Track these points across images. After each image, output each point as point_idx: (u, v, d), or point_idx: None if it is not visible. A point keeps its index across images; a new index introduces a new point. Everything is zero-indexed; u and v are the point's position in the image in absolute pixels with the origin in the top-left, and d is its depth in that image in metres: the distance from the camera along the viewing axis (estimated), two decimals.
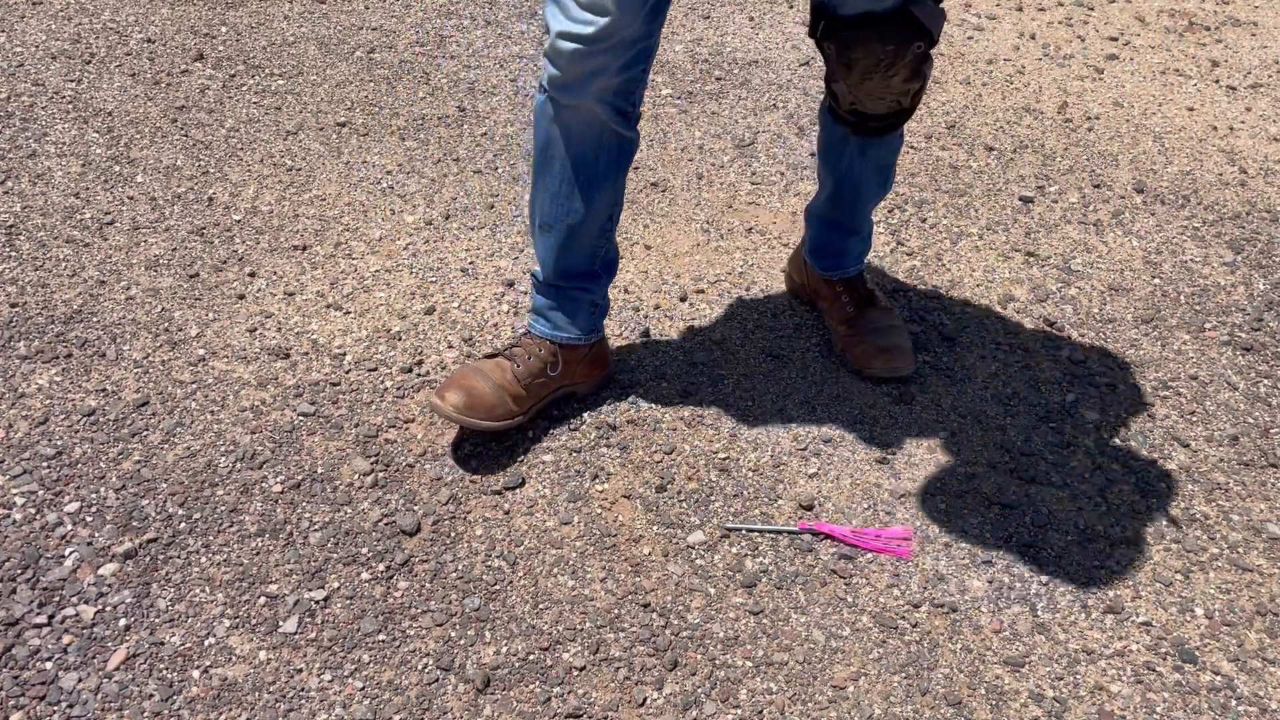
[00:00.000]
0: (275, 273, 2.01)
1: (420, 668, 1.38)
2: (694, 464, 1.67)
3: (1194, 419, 1.79)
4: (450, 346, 1.86)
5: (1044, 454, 1.72)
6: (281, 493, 1.59)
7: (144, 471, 1.61)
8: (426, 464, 1.65)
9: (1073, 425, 1.77)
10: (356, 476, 1.62)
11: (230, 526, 1.54)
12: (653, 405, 1.76)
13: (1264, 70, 2.84)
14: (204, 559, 1.50)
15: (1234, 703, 1.38)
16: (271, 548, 1.52)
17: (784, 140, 2.45)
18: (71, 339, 1.84)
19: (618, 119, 1.54)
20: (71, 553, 1.49)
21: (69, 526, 1.53)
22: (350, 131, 2.41)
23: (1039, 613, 1.48)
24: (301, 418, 1.71)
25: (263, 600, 1.45)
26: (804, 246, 1.92)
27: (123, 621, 1.41)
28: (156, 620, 1.42)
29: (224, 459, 1.64)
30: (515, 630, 1.43)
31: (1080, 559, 1.56)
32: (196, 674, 1.36)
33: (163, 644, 1.39)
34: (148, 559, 1.49)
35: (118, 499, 1.57)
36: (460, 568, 1.50)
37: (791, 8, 3.04)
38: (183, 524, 1.54)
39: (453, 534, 1.55)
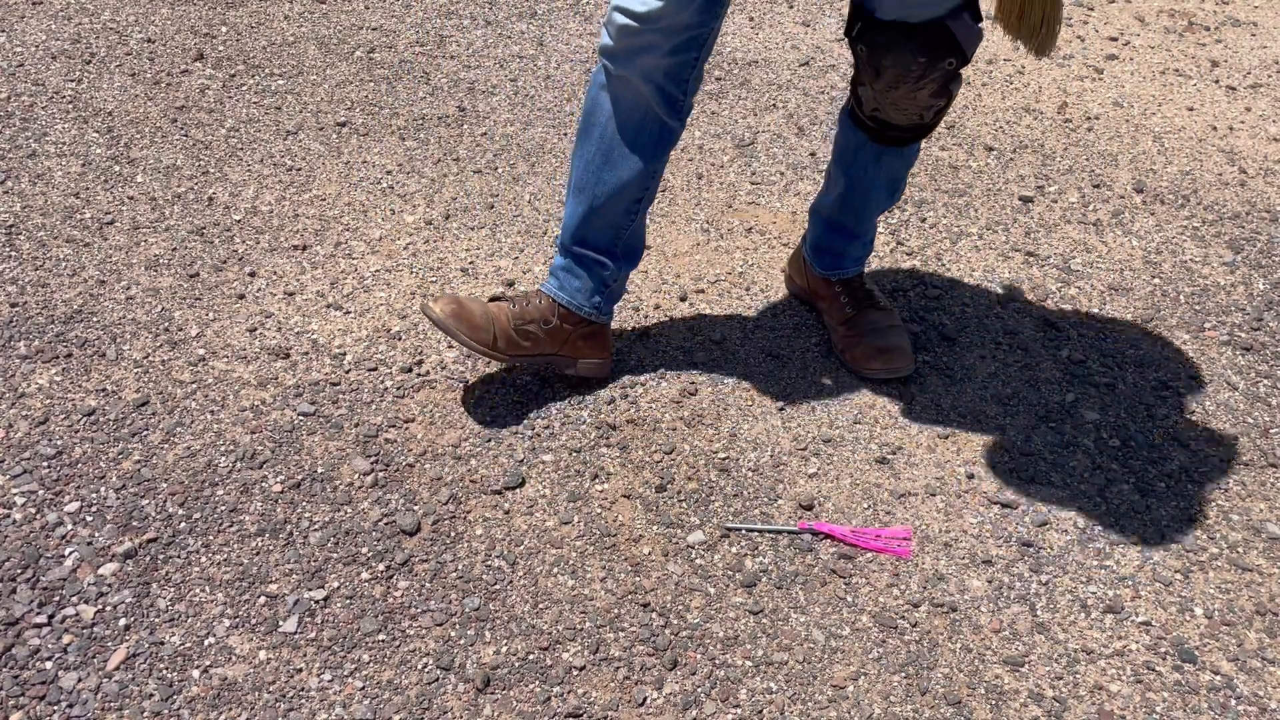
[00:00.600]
0: (275, 273, 2.01)
1: (420, 667, 1.38)
2: (694, 464, 1.67)
3: (1194, 419, 1.79)
4: (450, 346, 1.86)
5: (1044, 454, 1.72)
6: (281, 493, 1.59)
7: (144, 471, 1.61)
8: (426, 464, 1.65)
9: (1073, 425, 1.77)
10: (356, 476, 1.62)
11: (230, 526, 1.54)
12: (653, 405, 1.76)
13: (1264, 70, 2.84)
14: (204, 559, 1.50)
15: (1234, 702, 1.38)
16: (271, 548, 1.52)
17: (784, 140, 2.45)
18: (71, 339, 1.84)
19: (664, 104, 1.54)
20: (71, 552, 1.49)
21: (69, 526, 1.53)
22: (350, 131, 2.41)
23: (1039, 612, 1.48)
24: (301, 418, 1.71)
25: (263, 600, 1.45)
26: (804, 245, 1.93)
27: (123, 621, 1.41)
28: (156, 620, 1.42)
29: (224, 459, 1.64)
30: (515, 630, 1.43)
31: (1080, 559, 1.56)
32: (196, 674, 1.36)
33: (163, 644, 1.39)
34: (148, 559, 1.49)
35: (118, 499, 1.57)
36: (460, 568, 1.50)
37: (791, 8, 3.04)
38: (183, 524, 1.54)
39: (453, 534, 1.55)
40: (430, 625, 1.43)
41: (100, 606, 1.43)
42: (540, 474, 1.64)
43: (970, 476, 1.67)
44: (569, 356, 1.71)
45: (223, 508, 1.57)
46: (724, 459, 1.68)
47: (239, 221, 2.13)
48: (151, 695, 1.33)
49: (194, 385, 1.76)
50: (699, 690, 1.37)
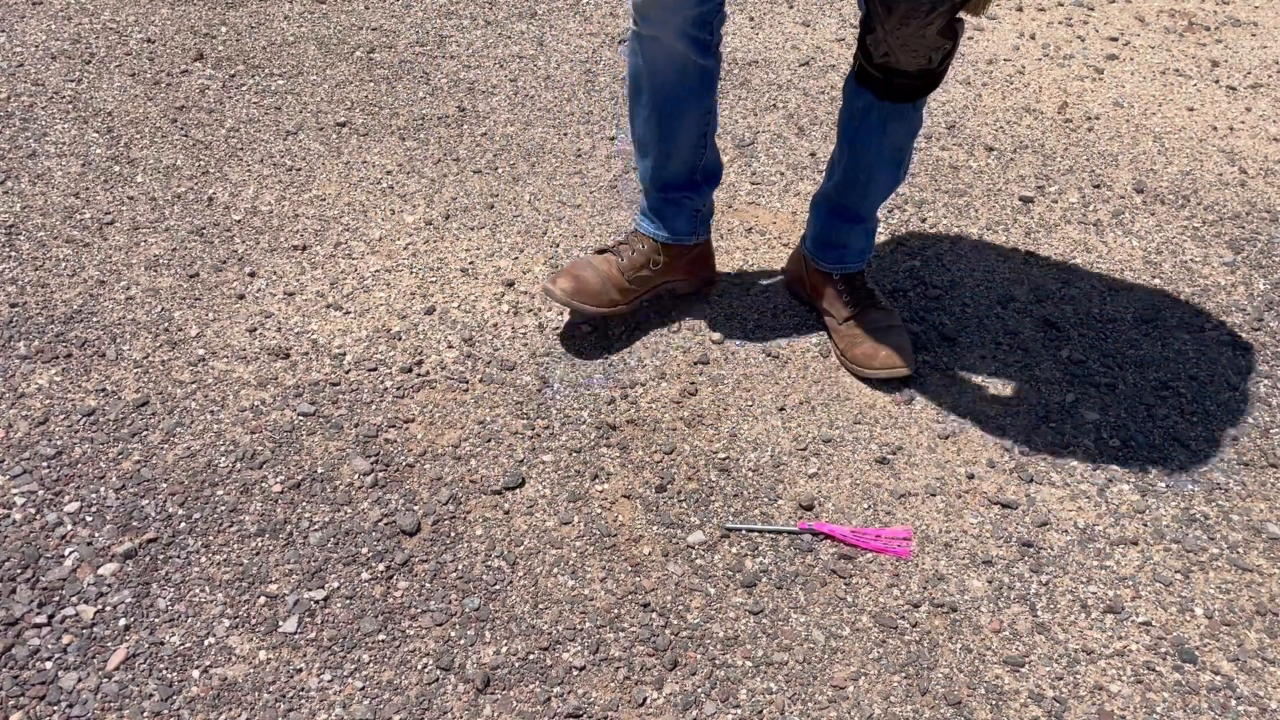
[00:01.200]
0: (275, 273, 2.01)
1: (420, 668, 1.38)
2: (694, 464, 1.67)
3: (1194, 419, 1.79)
4: (450, 346, 1.86)
5: (1044, 454, 1.72)
6: (281, 493, 1.59)
7: (144, 471, 1.61)
8: (426, 464, 1.65)
9: (1073, 425, 1.77)
10: (356, 476, 1.62)
11: (230, 526, 1.54)
12: (653, 405, 1.76)
13: (1264, 70, 2.84)
14: (204, 559, 1.50)
15: (1234, 703, 1.38)
16: (271, 548, 1.52)
17: (784, 140, 2.45)
18: (71, 339, 1.84)
19: (697, 50, 1.63)
20: (71, 553, 1.49)
21: (69, 526, 1.53)
22: (350, 131, 2.41)
23: (1039, 613, 1.48)
24: (301, 418, 1.71)
25: (263, 600, 1.45)
26: (805, 242, 1.93)
27: (123, 621, 1.41)
28: (156, 620, 1.42)
29: (224, 459, 1.64)
30: (515, 630, 1.43)
31: (1080, 559, 1.56)
32: (196, 674, 1.36)
33: (163, 644, 1.39)
34: (148, 559, 1.49)
35: (118, 499, 1.57)
36: (460, 568, 1.50)
37: (791, 8, 3.04)
38: (183, 524, 1.54)
39: (453, 534, 1.55)
40: (430, 625, 1.43)
41: (100, 606, 1.43)
42: (540, 474, 1.64)
43: (970, 476, 1.67)
44: (680, 279, 1.90)
45: (223, 508, 1.57)
46: (724, 459, 1.68)
47: (239, 221, 2.13)
48: (151, 695, 1.33)
49: (194, 385, 1.76)
50: (699, 690, 1.37)
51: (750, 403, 1.78)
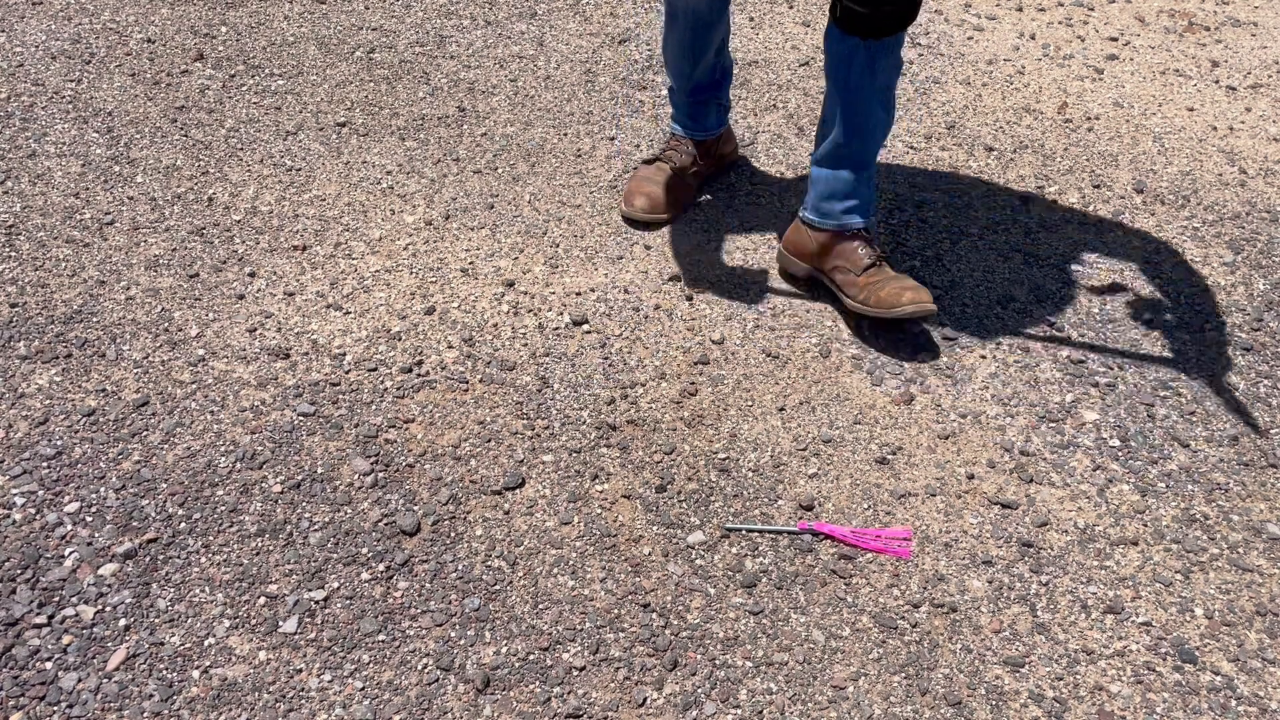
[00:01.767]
0: (275, 273, 2.01)
1: (420, 668, 1.38)
2: (694, 464, 1.67)
3: (1194, 419, 1.79)
4: (450, 346, 1.86)
5: (1044, 454, 1.72)
6: (281, 493, 1.59)
7: (144, 471, 1.61)
8: (426, 464, 1.65)
9: (1073, 425, 1.77)
10: (356, 476, 1.62)
11: (230, 526, 1.54)
12: (653, 405, 1.77)
13: (1264, 70, 2.84)
14: (204, 559, 1.50)
15: (1234, 703, 1.38)
16: (271, 548, 1.52)
17: (784, 140, 2.45)
18: (71, 339, 1.84)
19: None
20: (71, 553, 1.49)
21: (69, 526, 1.53)
22: (350, 131, 2.41)
23: (1039, 613, 1.48)
24: (301, 418, 1.71)
25: (263, 600, 1.45)
26: (806, 212, 1.96)
27: (123, 621, 1.41)
28: (156, 620, 1.42)
29: (224, 459, 1.64)
30: (515, 630, 1.43)
31: (1080, 559, 1.56)
32: (196, 674, 1.36)
33: (163, 644, 1.39)
34: (148, 559, 1.49)
35: (118, 499, 1.57)
36: (460, 568, 1.50)
37: (791, 8, 3.04)
38: (183, 524, 1.54)
39: (453, 534, 1.55)
40: (430, 625, 1.43)
41: (100, 606, 1.43)
42: (540, 474, 1.64)
43: (970, 476, 1.67)
44: (714, 167, 2.26)
45: (223, 508, 1.57)
46: (724, 459, 1.68)
47: (239, 221, 2.13)
48: (151, 695, 1.33)
49: (194, 385, 1.76)
50: (699, 690, 1.37)
51: (750, 403, 1.78)
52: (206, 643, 1.39)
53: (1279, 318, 2.02)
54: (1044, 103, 2.64)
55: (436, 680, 1.37)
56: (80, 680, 1.34)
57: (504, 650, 1.40)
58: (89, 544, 1.50)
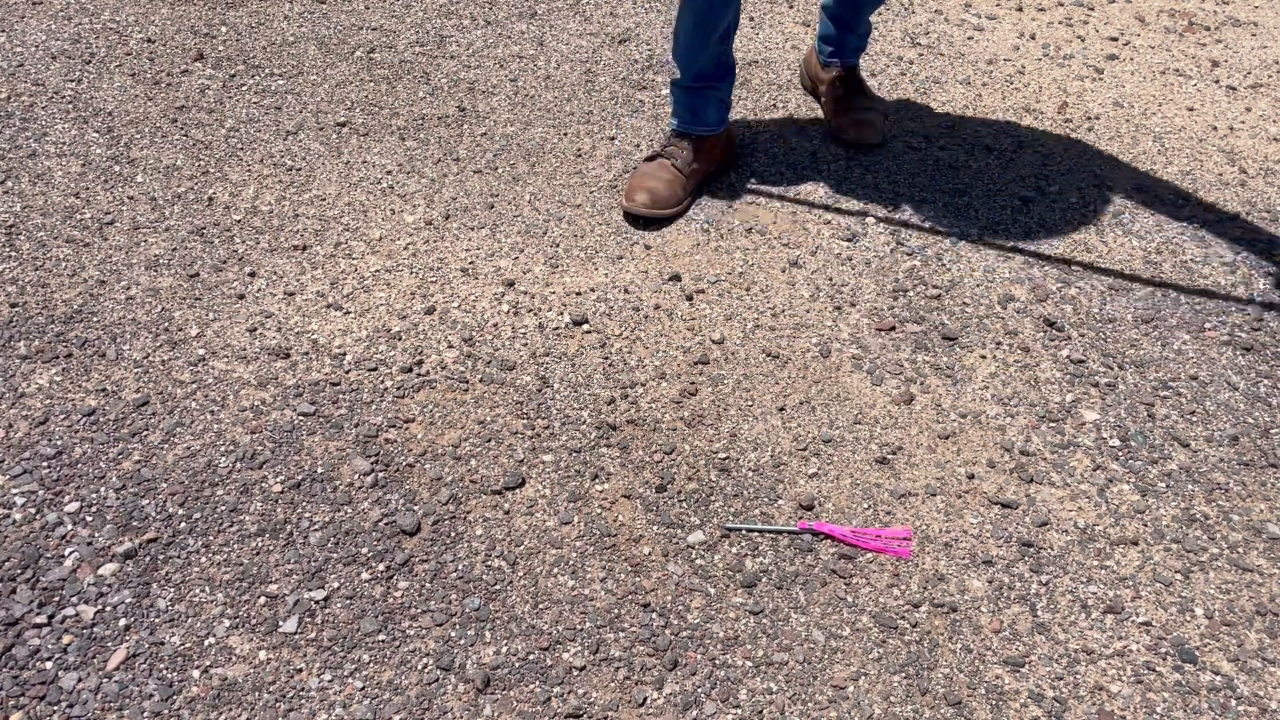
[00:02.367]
0: (275, 273, 2.01)
1: (420, 668, 1.38)
2: (694, 464, 1.67)
3: (1194, 419, 1.79)
4: (450, 346, 1.86)
5: (1044, 454, 1.72)
6: (281, 493, 1.59)
7: (144, 471, 1.61)
8: (426, 464, 1.65)
9: (1073, 425, 1.77)
10: (356, 476, 1.62)
11: (230, 526, 1.54)
12: (653, 405, 1.77)
13: (1264, 70, 2.84)
14: (204, 559, 1.50)
15: (1234, 703, 1.38)
16: (271, 548, 1.52)
17: (784, 140, 2.45)
18: (71, 339, 1.84)
19: None
20: (71, 553, 1.49)
21: (69, 526, 1.53)
22: (350, 131, 2.41)
23: (1039, 613, 1.48)
24: (301, 418, 1.71)
25: (263, 600, 1.45)
26: (816, 40, 2.46)
27: (123, 621, 1.41)
28: (156, 620, 1.42)
29: (224, 459, 1.64)
30: (515, 630, 1.43)
31: (1080, 559, 1.56)
32: (196, 674, 1.36)
33: (163, 644, 1.39)
34: (148, 559, 1.49)
35: (118, 499, 1.57)
36: (460, 568, 1.50)
37: (791, 8, 3.04)
38: (183, 524, 1.54)
39: (453, 534, 1.55)
40: (430, 625, 1.43)
41: (100, 606, 1.43)
42: (540, 474, 1.64)
43: (970, 476, 1.67)
44: (714, 165, 2.29)
45: (223, 508, 1.57)
46: (724, 459, 1.68)
47: (239, 221, 2.13)
48: (151, 695, 1.33)
49: (194, 385, 1.76)
50: (699, 690, 1.37)
51: (750, 403, 1.78)
52: (206, 642, 1.39)
53: (1279, 318, 2.02)
54: (1044, 103, 2.64)
55: (436, 680, 1.37)
56: (80, 680, 1.34)
57: (504, 650, 1.40)
58: (89, 544, 1.50)
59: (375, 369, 1.81)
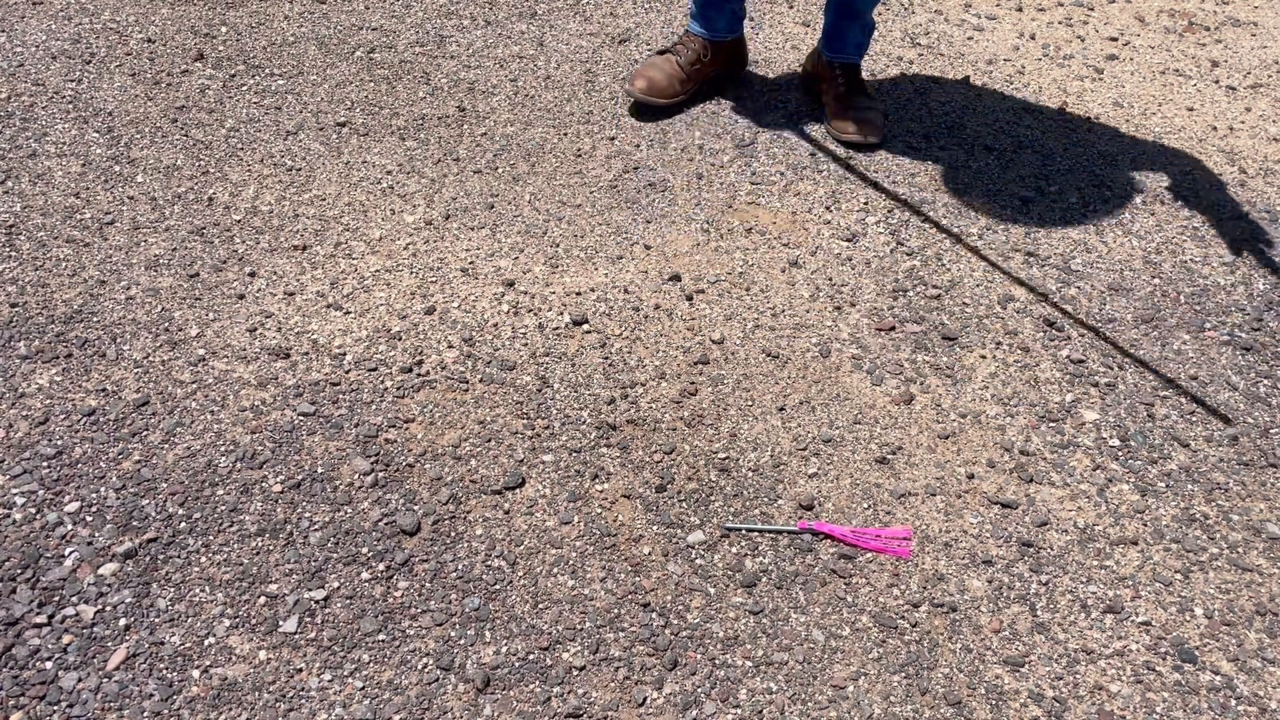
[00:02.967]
0: (275, 273, 2.01)
1: (420, 668, 1.38)
2: (694, 464, 1.67)
3: (1194, 419, 1.79)
4: (450, 346, 1.86)
5: (1044, 454, 1.72)
6: (281, 493, 1.59)
7: (144, 471, 1.61)
8: (426, 464, 1.65)
9: (1073, 425, 1.77)
10: (356, 476, 1.62)
11: (230, 526, 1.54)
12: (653, 405, 1.77)
13: (1264, 70, 2.84)
14: (204, 559, 1.50)
15: (1234, 703, 1.38)
16: (271, 548, 1.52)
17: (784, 140, 2.45)
18: (71, 339, 1.84)
19: None
20: (71, 552, 1.49)
21: (69, 526, 1.53)
22: (350, 131, 2.41)
23: (1039, 613, 1.48)
24: (301, 418, 1.71)
25: (263, 600, 1.45)
26: (820, 41, 2.48)
27: (123, 621, 1.41)
28: (156, 620, 1.42)
29: (224, 459, 1.64)
30: (515, 630, 1.43)
31: (1080, 559, 1.56)
32: (196, 674, 1.36)
33: (163, 644, 1.39)
34: (148, 559, 1.49)
35: (118, 499, 1.57)
36: (460, 568, 1.50)
37: (791, 8, 3.04)
38: (183, 524, 1.54)
39: (453, 534, 1.55)
40: (430, 625, 1.43)
41: (100, 606, 1.43)
42: (540, 474, 1.64)
43: (970, 476, 1.67)
44: (721, 69, 2.50)
45: (223, 508, 1.57)
46: (724, 459, 1.68)
47: (239, 221, 2.13)
48: (151, 695, 1.33)
49: (194, 385, 1.76)
50: (699, 690, 1.37)
51: (750, 403, 1.78)
52: (206, 642, 1.39)
53: (1279, 318, 2.02)
54: (1044, 102, 2.64)
55: (436, 680, 1.37)
56: (80, 680, 1.34)
57: (504, 650, 1.40)
58: (89, 544, 1.50)
59: (375, 369, 1.81)
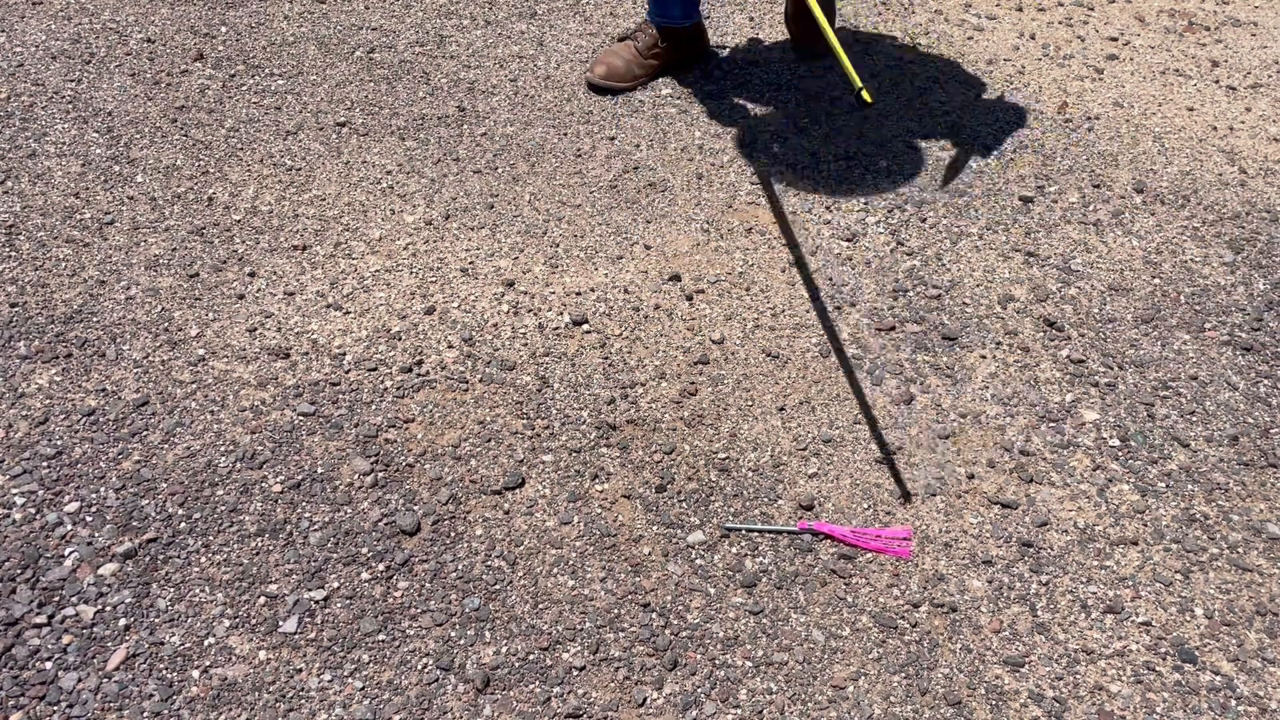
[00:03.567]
0: (275, 273, 2.01)
1: (420, 668, 1.38)
2: (694, 464, 1.67)
3: (1194, 419, 1.79)
4: (450, 346, 1.86)
5: (1044, 454, 1.72)
6: (281, 493, 1.59)
7: (144, 471, 1.61)
8: (426, 464, 1.65)
9: (1073, 425, 1.77)
10: (356, 476, 1.62)
11: (230, 526, 1.54)
12: (653, 405, 1.77)
13: (1264, 70, 2.84)
14: (204, 559, 1.50)
15: (1234, 703, 1.38)
16: (271, 548, 1.52)
17: (784, 140, 2.45)
18: (71, 339, 1.84)
19: None
20: (71, 553, 1.49)
21: (69, 526, 1.53)
22: (350, 131, 2.41)
23: (1039, 613, 1.48)
24: (301, 418, 1.71)
25: (263, 600, 1.45)
26: None
27: (122, 621, 1.41)
28: (156, 620, 1.42)
29: (224, 459, 1.64)
30: (515, 630, 1.43)
31: (1080, 559, 1.56)
32: (196, 674, 1.36)
33: (163, 644, 1.39)
34: (148, 559, 1.49)
35: (118, 499, 1.57)
36: (460, 568, 1.50)
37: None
38: (183, 524, 1.54)
39: (453, 534, 1.55)
40: (430, 625, 1.43)
41: (100, 606, 1.43)
42: (540, 474, 1.64)
43: (970, 476, 1.67)
44: (681, 56, 2.59)
45: (223, 508, 1.57)
46: (724, 459, 1.68)
47: (239, 221, 2.13)
48: (151, 695, 1.33)
49: (194, 385, 1.76)
50: (699, 690, 1.37)
51: (750, 403, 1.78)
52: (206, 642, 1.39)
53: (1279, 318, 2.02)
54: (1044, 102, 2.64)
55: (436, 680, 1.37)
56: (80, 680, 1.34)
57: (504, 650, 1.40)
58: (89, 544, 1.50)
59: (375, 369, 1.81)
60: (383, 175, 2.28)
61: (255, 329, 1.88)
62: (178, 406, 1.72)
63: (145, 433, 1.68)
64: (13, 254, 2.02)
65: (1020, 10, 3.09)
